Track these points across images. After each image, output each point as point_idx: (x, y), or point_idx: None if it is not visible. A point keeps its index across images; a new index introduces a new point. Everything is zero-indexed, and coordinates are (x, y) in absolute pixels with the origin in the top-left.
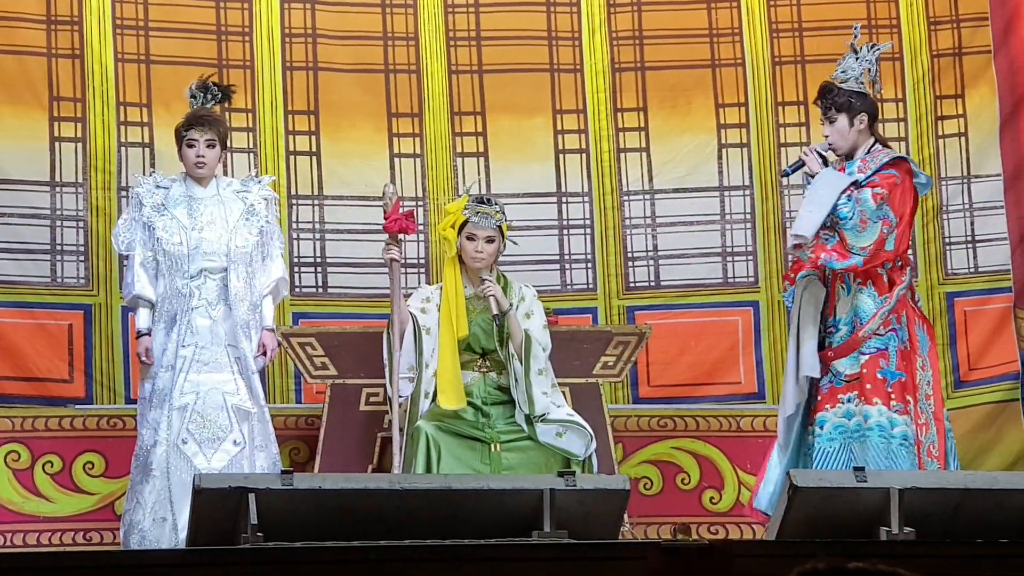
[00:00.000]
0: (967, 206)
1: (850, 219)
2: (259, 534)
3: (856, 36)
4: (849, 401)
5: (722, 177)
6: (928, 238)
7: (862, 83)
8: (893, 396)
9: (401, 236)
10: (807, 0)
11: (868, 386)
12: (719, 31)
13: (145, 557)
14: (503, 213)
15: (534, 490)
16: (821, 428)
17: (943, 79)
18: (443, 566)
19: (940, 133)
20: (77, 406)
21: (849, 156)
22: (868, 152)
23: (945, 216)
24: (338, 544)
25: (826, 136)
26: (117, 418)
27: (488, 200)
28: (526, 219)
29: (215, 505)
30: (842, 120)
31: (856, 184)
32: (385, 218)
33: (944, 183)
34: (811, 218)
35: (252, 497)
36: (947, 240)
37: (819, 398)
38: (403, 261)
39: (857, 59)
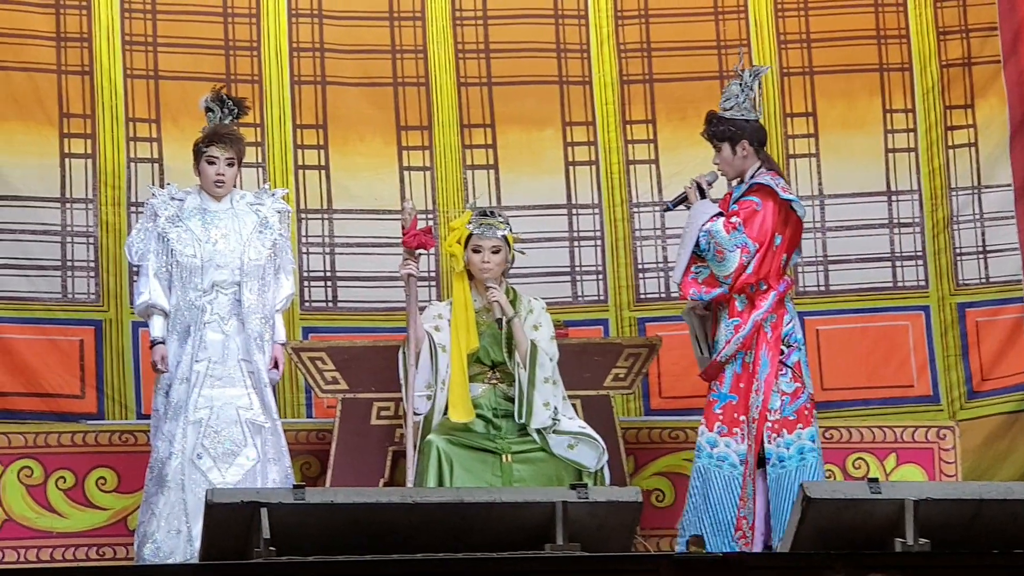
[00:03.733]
0: (978, 216)
1: (708, 251)
2: (271, 548)
3: (740, 60)
4: None
5: None
6: (939, 249)
7: (747, 108)
8: (721, 418)
9: (419, 251)
10: (815, 11)
11: (703, 409)
12: (727, 43)
13: (158, 572)
14: (507, 223)
15: (546, 503)
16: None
17: (953, 89)
18: None
19: (950, 144)
20: (89, 422)
21: (742, 180)
22: (752, 176)
23: (956, 227)
24: (350, 558)
25: (716, 163)
26: (129, 433)
27: (491, 212)
28: (536, 231)
29: (227, 520)
30: (726, 149)
31: (720, 213)
32: (404, 233)
33: (954, 194)
34: (679, 261)
35: (264, 512)
36: (958, 251)
37: None
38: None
39: (740, 85)
